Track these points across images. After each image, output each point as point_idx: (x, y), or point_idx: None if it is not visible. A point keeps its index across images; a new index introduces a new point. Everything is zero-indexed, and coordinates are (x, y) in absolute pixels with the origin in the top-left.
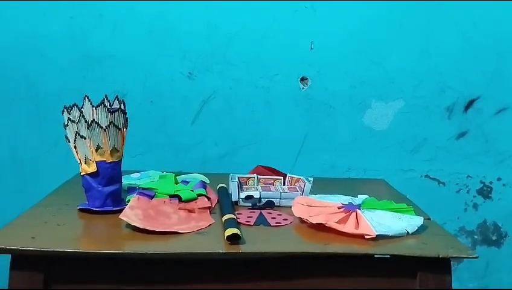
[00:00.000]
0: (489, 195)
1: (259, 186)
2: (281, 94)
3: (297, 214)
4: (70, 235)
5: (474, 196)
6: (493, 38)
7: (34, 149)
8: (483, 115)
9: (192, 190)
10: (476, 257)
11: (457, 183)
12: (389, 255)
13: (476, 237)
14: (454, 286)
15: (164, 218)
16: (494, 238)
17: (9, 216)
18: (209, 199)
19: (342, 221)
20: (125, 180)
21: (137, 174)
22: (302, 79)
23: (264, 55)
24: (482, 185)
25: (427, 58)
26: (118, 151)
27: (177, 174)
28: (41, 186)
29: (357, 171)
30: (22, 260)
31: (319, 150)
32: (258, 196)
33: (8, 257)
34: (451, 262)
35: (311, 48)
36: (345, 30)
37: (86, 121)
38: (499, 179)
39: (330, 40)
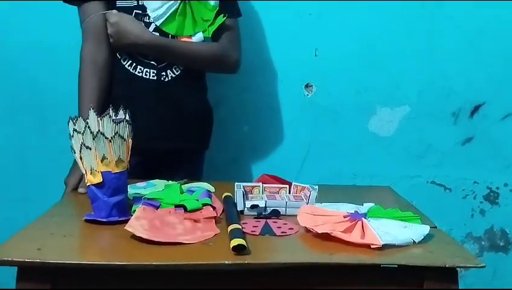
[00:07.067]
0: (496, 201)
1: (265, 195)
2: (285, 101)
3: (302, 224)
4: (76, 246)
5: (481, 202)
6: (498, 44)
7: (40, 157)
8: (489, 120)
9: (197, 200)
10: (483, 266)
11: (463, 189)
12: (396, 265)
13: (483, 243)
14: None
15: (169, 228)
16: (501, 244)
17: (14, 224)
18: (214, 208)
19: (348, 230)
20: (131, 190)
21: (142, 183)
22: (307, 86)
23: (269, 62)
24: (489, 190)
25: (432, 63)
26: (123, 161)
27: (182, 183)
28: (46, 194)
29: (362, 178)
30: (28, 272)
31: (325, 156)
32: (264, 205)
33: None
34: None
35: (316, 55)
36: (349, 36)
37: (91, 132)
38: (505, 185)
39: (334, 47)
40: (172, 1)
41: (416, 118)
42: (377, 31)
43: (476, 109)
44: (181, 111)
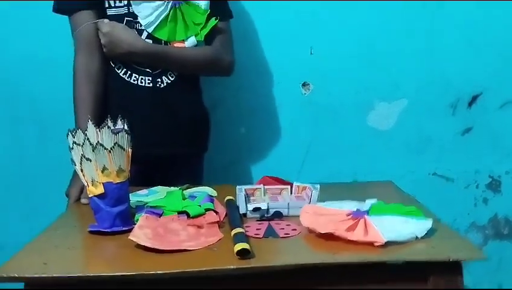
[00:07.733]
0: (499, 189)
1: (267, 197)
2: (283, 100)
3: (305, 224)
4: (81, 258)
5: (484, 191)
6: (495, 38)
7: (40, 169)
8: (487, 109)
9: (200, 205)
10: (486, 258)
11: (465, 179)
12: (400, 261)
13: (487, 231)
14: (466, 281)
15: (173, 235)
16: (505, 232)
17: (19, 238)
18: (217, 213)
19: (351, 229)
20: (133, 198)
21: (144, 191)
22: (304, 84)
23: (264, 61)
24: (491, 179)
25: (429, 56)
26: (124, 171)
27: (184, 188)
28: (49, 207)
29: (363, 176)
30: (35, 286)
31: (324, 155)
32: (266, 207)
33: None
34: None
35: (311, 53)
36: (344, 34)
37: (90, 144)
38: (507, 173)
39: (330, 45)
40: (163, 7)
41: (415, 111)
42: (373, 29)
43: (474, 99)
44: (177, 116)
